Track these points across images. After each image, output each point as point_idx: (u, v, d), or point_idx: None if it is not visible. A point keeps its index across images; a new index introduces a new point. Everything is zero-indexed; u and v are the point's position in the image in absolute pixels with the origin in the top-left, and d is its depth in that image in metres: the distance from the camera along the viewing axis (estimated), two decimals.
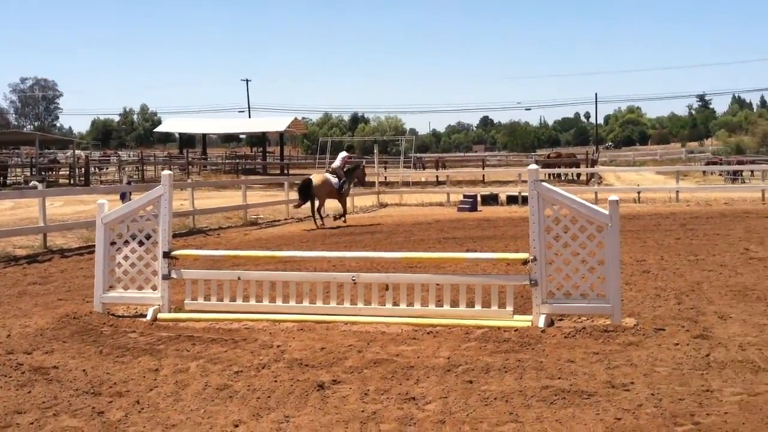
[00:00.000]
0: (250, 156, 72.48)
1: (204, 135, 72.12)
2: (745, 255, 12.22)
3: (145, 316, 8.35)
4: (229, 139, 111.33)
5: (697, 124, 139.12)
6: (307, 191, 20.33)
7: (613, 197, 7.67)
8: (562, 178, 41.78)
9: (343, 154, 22.58)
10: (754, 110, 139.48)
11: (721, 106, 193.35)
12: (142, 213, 8.67)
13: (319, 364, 6.38)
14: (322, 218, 20.43)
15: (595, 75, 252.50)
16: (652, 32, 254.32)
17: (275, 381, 5.92)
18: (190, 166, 51.25)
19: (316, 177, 20.88)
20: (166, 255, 8.43)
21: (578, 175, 42.13)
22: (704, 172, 47.33)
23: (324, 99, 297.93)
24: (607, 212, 7.47)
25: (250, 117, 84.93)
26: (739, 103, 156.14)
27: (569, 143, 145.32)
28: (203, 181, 42.86)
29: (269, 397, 5.57)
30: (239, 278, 8.49)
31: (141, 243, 8.60)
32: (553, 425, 4.82)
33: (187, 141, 75.27)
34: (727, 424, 4.67)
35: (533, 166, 7.95)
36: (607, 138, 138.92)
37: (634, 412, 4.97)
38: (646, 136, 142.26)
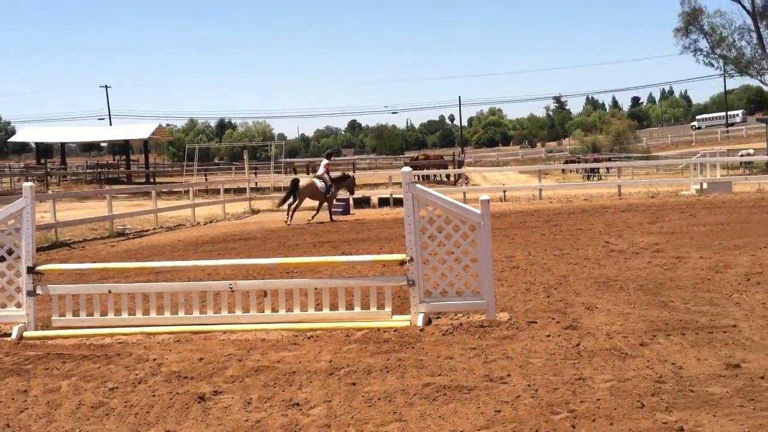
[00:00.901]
0: (113, 165, 70.05)
1: (63, 144, 69.09)
2: (606, 248, 12.83)
3: (9, 335, 7.93)
4: (90, 147, 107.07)
5: (555, 125, 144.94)
6: (294, 189, 22.54)
7: (485, 196, 7.90)
8: (431, 180, 42.59)
9: (325, 161, 23.96)
10: (607, 110, 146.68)
11: (576, 107, 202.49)
12: (3, 227, 8.23)
13: (199, 375, 6.25)
14: (290, 217, 22.23)
15: (459, 78, 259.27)
16: (511, 37, 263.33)
17: (153, 395, 5.75)
18: (49, 177, 49.00)
19: (304, 180, 23.41)
20: (31, 270, 8.04)
21: (447, 176, 43.07)
22: (563, 170, 49.39)
23: (189, 105, 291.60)
24: (479, 211, 7.68)
25: (111, 124, 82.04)
26: (592, 103, 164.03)
27: (435, 145, 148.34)
28: (65, 192, 41.08)
29: (148, 412, 5.40)
30: (110, 291, 8.21)
31: (2, 258, 8.17)
32: (436, 422, 4.91)
33: (44, 151, 71.95)
34: (600, 410, 4.89)
35: (407, 169, 8.07)
36: (472, 139, 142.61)
37: (513, 403, 5.14)
38: (507, 136, 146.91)
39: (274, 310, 8.07)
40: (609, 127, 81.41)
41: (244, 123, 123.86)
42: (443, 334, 7.20)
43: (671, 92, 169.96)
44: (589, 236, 14.81)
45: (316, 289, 8.21)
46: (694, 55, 47.62)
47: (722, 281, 9.25)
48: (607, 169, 45.41)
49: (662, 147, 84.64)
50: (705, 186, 27.19)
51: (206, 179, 47.84)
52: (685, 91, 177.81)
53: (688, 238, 13.80)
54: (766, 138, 51.21)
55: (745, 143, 68.42)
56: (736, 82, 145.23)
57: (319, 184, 22.70)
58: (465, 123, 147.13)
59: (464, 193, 29.40)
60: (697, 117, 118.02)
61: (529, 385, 5.49)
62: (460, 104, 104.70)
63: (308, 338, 7.38)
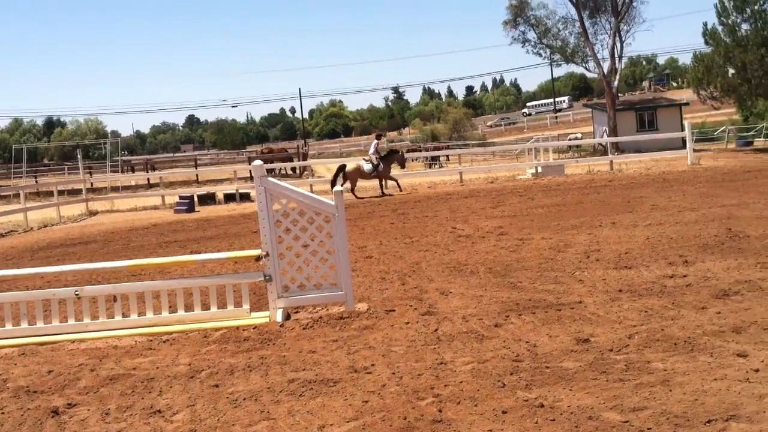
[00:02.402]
0: None
1: None
2: (454, 233, 13.19)
3: None
4: None
5: (395, 115, 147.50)
6: (337, 174, 25.21)
7: (338, 188, 7.92)
8: (276, 173, 42.26)
9: (375, 141, 26.43)
10: (443, 99, 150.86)
11: (414, 96, 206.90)
12: None
13: (50, 388, 5.91)
14: (355, 196, 24.63)
15: (298, 70, 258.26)
16: (350, 28, 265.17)
17: (2, 413, 5.38)
18: None
19: (350, 165, 25.75)
20: None
21: (293, 168, 42.87)
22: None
23: (12, 103, 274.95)
24: (332, 203, 7.69)
25: None
26: (429, 93, 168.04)
27: (278, 138, 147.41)
28: None
29: None
30: None
31: None
32: (305, 417, 4.87)
33: None
34: (464, 393, 5.02)
35: (258, 163, 7.95)
36: (314, 132, 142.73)
37: (379, 392, 5.17)
38: (349, 128, 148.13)
39: (125, 315, 7.75)
40: (447, 115, 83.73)
41: (74, 121, 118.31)
42: (304, 329, 7.16)
43: (502, 81, 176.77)
44: (436, 223, 15.16)
45: (169, 290, 7.95)
46: (522, 46, 49.67)
47: (564, 260, 9.72)
48: (447, 156, 46.69)
49: (497, 134, 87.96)
50: (540, 170, 28.46)
51: (36, 181, 45.29)
52: (515, 79, 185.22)
53: (528, 220, 14.41)
54: (592, 122, 54.28)
55: (573, 128, 72.29)
56: (562, 70, 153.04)
57: (366, 166, 25.04)
58: (306, 115, 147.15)
59: (311, 185, 29.35)
60: (528, 104, 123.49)
61: (393, 374, 5.55)
62: (300, 96, 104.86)
63: (164, 342, 7.14)
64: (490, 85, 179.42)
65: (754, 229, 10.87)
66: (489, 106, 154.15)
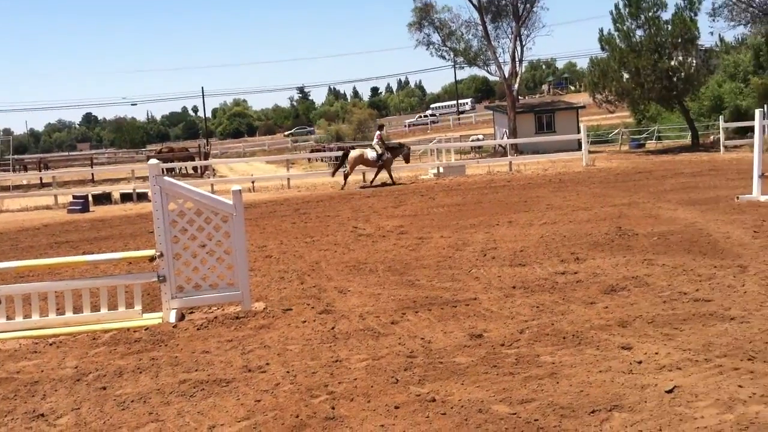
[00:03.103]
0: None
1: None
2: (355, 233, 13.21)
3: None
4: None
5: (300, 115, 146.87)
6: (344, 159, 26.26)
7: (236, 187, 7.80)
8: (177, 173, 41.44)
9: (378, 132, 27.54)
10: (348, 100, 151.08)
11: (319, 97, 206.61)
12: None
13: None
14: (345, 182, 25.65)
15: (202, 69, 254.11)
16: (253, 25, 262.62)
17: None
18: None
19: (354, 151, 26.83)
20: None
21: (194, 168, 42.12)
22: (309, 159, 50.13)
23: None
24: (231, 202, 7.57)
25: None
26: (334, 94, 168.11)
27: (179, 138, 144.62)
28: None
29: None
30: None
31: None
32: (195, 418, 4.78)
33: None
34: (357, 389, 5.02)
35: (154, 161, 7.75)
36: (217, 131, 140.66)
37: (273, 391, 5.12)
38: (253, 127, 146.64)
39: (9, 317, 7.44)
40: (352, 116, 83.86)
41: None
42: (198, 329, 7.02)
43: (407, 82, 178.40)
44: (338, 222, 15.15)
45: (57, 292, 7.67)
46: (427, 48, 50.22)
47: (462, 258, 9.86)
48: None
49: (401, 135, 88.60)
50: (442, 170, 28.82)
51: None
52: (420, 81, 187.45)
53: (429, 219, 14.57)
54: (493, 124, 55.31)
55: (475, 129, 73.47)
56: (465, 73, 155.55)
57: (370, 154, 26.09)
58: (209, 114, 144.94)
59: (212, 185, 28.89)
60: (432, 105, 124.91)
61: (288, 372, 5.50)
62: (203, 95, 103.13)
63: (50, 345, 6.88)
64: (395, 87, 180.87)
65: (643, 228, 11.28)
66: (394, 107, 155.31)
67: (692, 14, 37.40)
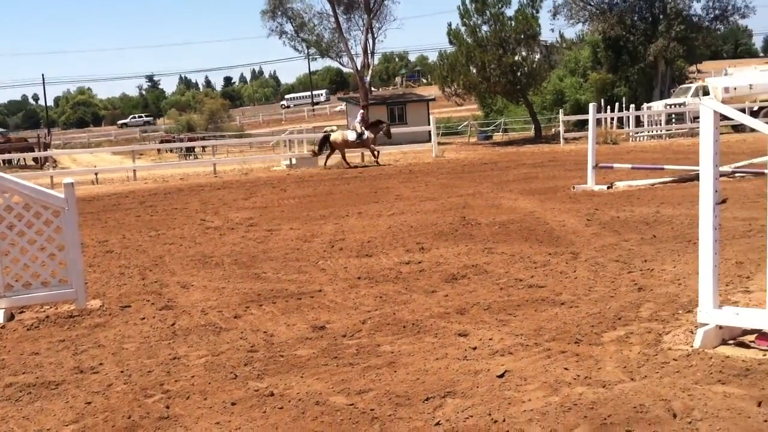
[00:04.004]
0: None
1: None
2: (202, 225, 12.94)
3: None
4: None
5: (149, 104, 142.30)
6: (325, 143, 26.91)
7: (68, 180, 7.44)
8: (14, 164, 39.24)
9: (360, 111, 29.15)
10: (200, 90, 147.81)
11: (169, 86, 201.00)
12: None
13: None
14: (347, 163, 26.47)
15: (42, 55, 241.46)
16: (98, 11, 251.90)
17: None
18: None
19: (334, 134, 27.44)
20: None
21: (35, 159, 39.99)
22: (159, 150, 48.70)
23: None
24: (62, 196, 7.22)
25: None
26: (186, 83, 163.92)
27: (19, 127, 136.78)
28: None
29: None
30: None
31: None
32: (20, 423, 4.53)
33: None
34: (194, 387, 4.91)
35: None
36: (59, 120, 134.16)
37: (105, 392, 4.93)
38: (99, 117, 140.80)
39: None
40: (203, 106, 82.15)
41: None
42: (28, 329, 6.67)
43: (261, 72, 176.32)
44: (185, 215, 14.79)
45: None
46: (280, 38, 49.79)
47: (310, 250, 9.86)
48: (203, 147, 45.78)
49: (255, 125, 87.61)
50: (294, 161, 28.71)
51: None
52: (275, 71, 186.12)
53: (279, 211, 14.47)
54: (346, 115, 55.59)
55: (329, 120, 73.66)
56: (319, 64, 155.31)
57: (350, 135, 26.57)
58: (51, 103, 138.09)
59: (51, 177, 27.52)
60: (286, 96, 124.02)
61: (122, 372, 5.31)
62: (44, 82, 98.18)
63: None
64: (249, 77, 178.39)
65: (485, 217, 11.65)
66: (248, 97, 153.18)
67: (534, 11, 38.99)
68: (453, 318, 6.19)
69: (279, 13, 48.99)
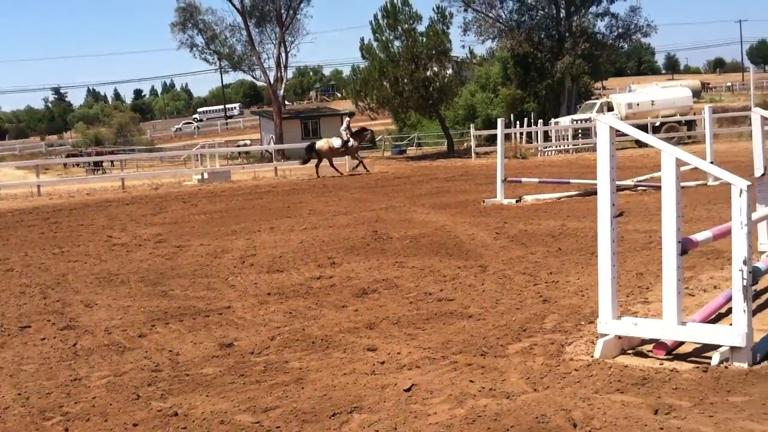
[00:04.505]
0: None
1: None
2: (109, 242, 12.61)
3: None
4: None
5: (55, 117, 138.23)
6: (311, 151, 27.29)
7: None
8: None
9: (347, 119, 29.82)
10: (110, 102, 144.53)
11: (77, 98, 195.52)
12: None
13: None
14: (337, 170, 27.08)
15: None
16: (3, 22, 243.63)
17: None
18: None
19: (320, 143, 27.69)
20: None
21: None
22: (65, 164, 47.31)
23: None
24: None
25: None
26: (94, 95, 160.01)
27: None
28: None
29: None
30: None
31: None
32: None
33: None
34: (95, 408, 4.76)
35: None
36: None
37: (1, 416, 4.74)
38: (2, 130, 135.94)
39: None
40: (112, 119, 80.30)
41: None
42: None
43: (173, 85, 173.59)
44: (91, 231, 14.39)
45: None
46: (190, 51, 49.19)
47: (220, 266, 9.73)
48: (111, 162, 44.73)
49: (166, 139, 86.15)
50: (206, 176, 28.32)
51: None
52: (186, 84, 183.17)
53: (189, 227, 14.24)
54: (260, 129, 55.20)
55: (243, 134, 73.10)
56: (232, 77, 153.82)
57: (336, 142, 26.97)
58: None
59: None
60: (199, 110, 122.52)
61: (19, 394, 5.12)
62: None
63: None
64: (160, 89, 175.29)
65: (397, 231, 11.73)
66: (159, 110, 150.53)
67: (445, 27, 39.63)
68: (362, 333, 6.20)
69: (189, 25, 48.40)
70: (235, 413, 4.55)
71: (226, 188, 24.55)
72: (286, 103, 54.74)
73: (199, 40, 48.72)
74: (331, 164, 27.39)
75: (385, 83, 39.62)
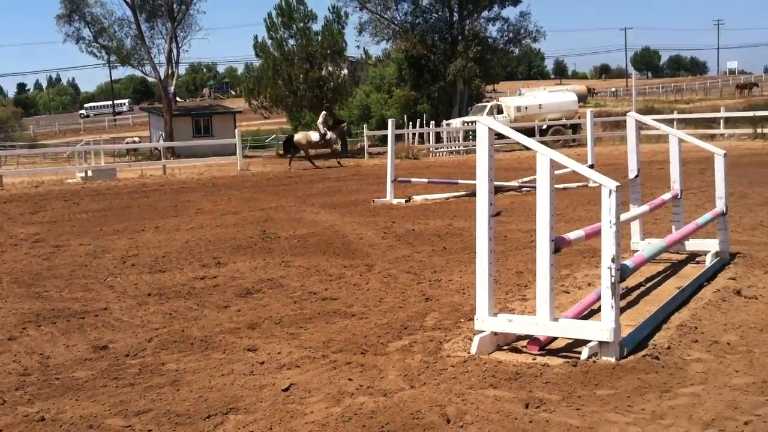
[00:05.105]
0: None
1: None
2: None
3: None
4: None
5: None
6: (289, 144, 28.06)
7: None
8: None
9: (323, 112, 29.58)
10: None
11: None
12: None
13: None
14: (313, 164, 27.37)
15: None
16: None
17: None
18: None
19: (298, 135, 28.29)
20: None
21: None
22: None
23: None
24: None
25: None
26: None
27: None
28: None
29: None
30: None
31: None
32: None
33: None
34: None
35: None
36: None
37: None
38: None
39: None
40: None
41: None
42: None
43: (59, 80, 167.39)
44: None
45: None
46: (77, 44, 47.41)
47: (99, 266, 9.42)
48: None
49: (50, 135, 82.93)
50: (90, 173, 27.37)
51: None
52: (73, 78, 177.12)
53: (70, 226, 13.73)
54: (149, 126, 53.86)
55: (132, 131, 71.03)
56: (121, 72, 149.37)
57: (314, 135, 27.39)
58: None
59: None
60: (86, 105, 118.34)
61: None
62: None
63: None
64: (45, 83, 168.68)
65: (285, 231, 11.65)
66: (44, 105, 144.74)
67: (340, 27, 39.64)
68: (243, 333, 6.12)
69: (76, 17, 46.68)
70: (105, 417, 4.41)
71: (111, 186, 23.78)
72: (178, 99, 53.62)
73: (87, 33, 47.05)
74: (308, 157, 27.90)
75: (279, 82, 39.29)
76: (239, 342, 5.86)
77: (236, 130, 31.79)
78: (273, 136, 50.27)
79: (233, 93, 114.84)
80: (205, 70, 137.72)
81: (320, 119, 28.85)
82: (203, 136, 45.39)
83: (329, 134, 27.91)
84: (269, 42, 39.55)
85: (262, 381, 4.91)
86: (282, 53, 39.09)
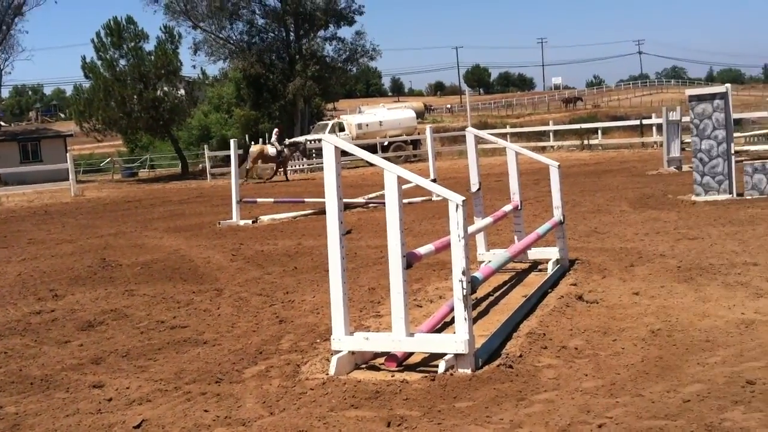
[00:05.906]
0: None
1: None
2: None
3: None
4: None
5: None
6: (244, 156, 27.44)
7: None
8: None
9: (275, 130, 29.87)
10: None
11: None
12: None
13: None
14: (255, 176, 29.18)
15: None
16: None
17: None
18: None
19: (254, 147, 28.93)
20: None
21: None
22: None
23: None
24: None
25: None
26: None
27: None
28: None
29: None
30: None
31: None
32: None
33: None
34: None
35: None
36: None
37: None
38: None
39: None
40: None
41: None
42: None
43: None
44: None
45: None
46: None
47: None
48: None
49: None
50: None
51: None
52: None
53: None
54: None
55: None
56: None
57: (270, 150, 28.13)
58: None
59: None
60: None
61: None
62: None
63: None
64: None
65: (128, 258, 11.19)
66: None
67: (174, 47, 38.74)
68: (87, 369, 5.78)
69: None
70: None
71: None
72: (2, 124, 50.47)
73: None
74: (250, 169, 28.55)
75: (111, 103, 37.81)
76: (83, 379, 5.53)
77: (68, 154, 30.32)
78: (108, 160, 48.36)
79: (62, 116, 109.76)
80: (30, 92, 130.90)
81: (273, 137, 29.51)
82: (31, 161, 43.03)
83: (286, 151, 28.67)
84: (99, 62, 38.04)
85: (111, 419, 4.65)
86: (113, 74, 37.70)
